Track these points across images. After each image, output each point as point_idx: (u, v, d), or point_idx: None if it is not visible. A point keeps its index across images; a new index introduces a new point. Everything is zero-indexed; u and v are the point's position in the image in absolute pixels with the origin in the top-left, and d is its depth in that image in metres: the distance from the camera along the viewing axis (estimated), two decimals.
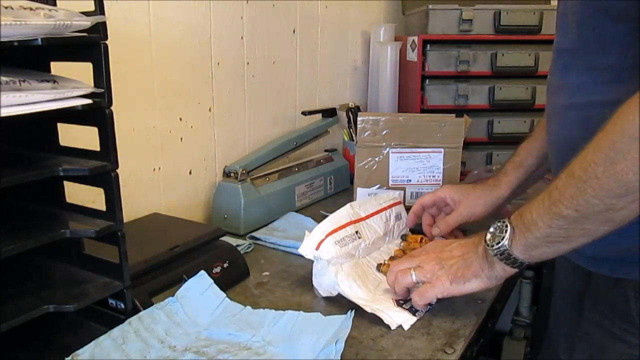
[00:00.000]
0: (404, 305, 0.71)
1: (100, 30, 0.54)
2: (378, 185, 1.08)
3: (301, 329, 0.63)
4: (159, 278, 0.70)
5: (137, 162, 0.93)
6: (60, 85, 0.53)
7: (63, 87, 0.53)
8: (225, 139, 1.11)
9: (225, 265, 0.78)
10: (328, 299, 0.75)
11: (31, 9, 0.48)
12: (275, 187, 1.07)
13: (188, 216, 0.99)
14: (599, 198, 0.50)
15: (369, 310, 0.69)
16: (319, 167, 1.21)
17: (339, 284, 0.72)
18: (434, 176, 1.08)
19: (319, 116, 1.29)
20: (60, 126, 0.63)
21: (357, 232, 0.83)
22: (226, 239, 0.85)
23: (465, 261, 0.66)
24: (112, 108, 0.57)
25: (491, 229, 0.62)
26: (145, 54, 0.92)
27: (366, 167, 1.08)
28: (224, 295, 0.69)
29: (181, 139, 1.01)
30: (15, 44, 0.48)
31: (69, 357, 0.56)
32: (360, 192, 1.08)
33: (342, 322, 0.61)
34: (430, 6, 1.30)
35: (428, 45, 1.31)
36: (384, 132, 1.06)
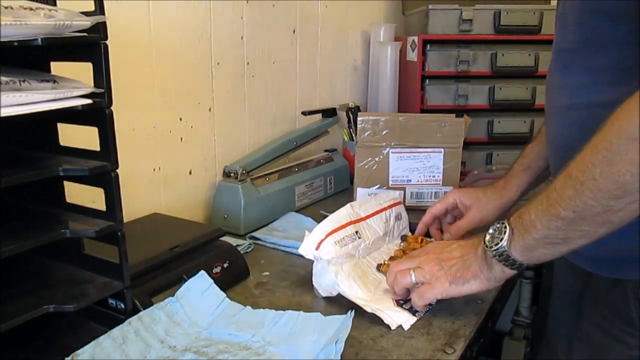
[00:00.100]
0: (404, 306, 0.71)
1: (100, 30, 0.54)
2: (378, 185, 1.08)
3: (301, 329, 0.63)
4: (159, 278, 0.70)
5: (137, 162, 0.93)
6: (60, 85, 0.53)
7: (63, 87, 0.53)
8: (225, 139, 1.11)
9: (225, 265, 0.78)
10: (328, 299, 0.75)
11: (31, 9, 0.48)
12: (275, 187, 1.07)
13: (188, 216, 0.99)
14: (596, 199, 0.49)
15: (369, 310, 0.69)
16: (319, 167, 1.21)
17: (339, 284, 0.72)
18: (434, 176, 1.09)
19: (319, 116, 1.29)
20: (60, 126, 0.63)
21: (357, 232, 0.83)
22: (226, 239, 0.85)
23: (464, 262, 0.66)
24: (112, 108, 0.57)
25: (490, 230, 0.62)
26: (145, 54, 0.92)
27: (366, 167, 1.08)
28: (224, 295, 0.69)
29: (181, 139, 1.01)
30: (15, 44, 0.48)
31: (69, 357, 0.56)
32: (360, 192, 1.08)
33: (342, 322, 0.61)
34: (430, 6, 1.30)
35: (428, 45, 1.31)
36: (384, 132, 1.07)
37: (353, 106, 1.32)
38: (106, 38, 0.55)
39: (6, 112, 0.47)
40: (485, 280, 0.64)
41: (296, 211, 1.10)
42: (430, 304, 0.71)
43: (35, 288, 0.59)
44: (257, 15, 1.15)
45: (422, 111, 1.33)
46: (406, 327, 0.67)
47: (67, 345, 0.58)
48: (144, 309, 0.64)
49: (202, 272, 0.70)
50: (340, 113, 1.32)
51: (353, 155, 1.13)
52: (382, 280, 0.78)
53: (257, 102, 1.19)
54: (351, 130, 1.30)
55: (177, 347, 0.60)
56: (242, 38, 1.12)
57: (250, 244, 0.94)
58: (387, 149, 1.07)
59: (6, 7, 0.46)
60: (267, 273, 0.84)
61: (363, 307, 0.69)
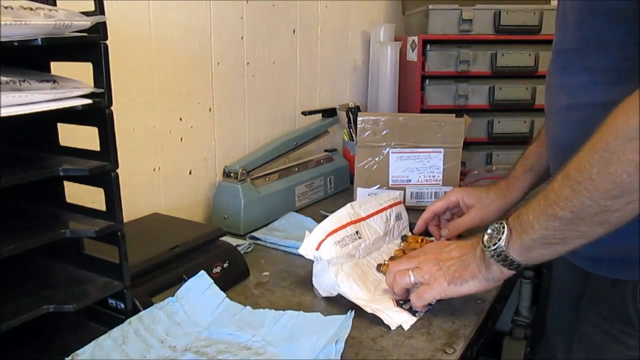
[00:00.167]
0: (403, 306, 0.71)
1: (100, 30, 0.54)
2: (378, 185, 1.08)
3: (301, 329, 0.63)
4: (159, 278, 0.70)
5: (137, 162, 0.93)
6: (60, 85, 0.53)
7: (63, 87, 0.53)
8: (225, 139, 1.11)
9: (225, 265, 0.78)
10: (328, 299, 0.75)
11: (31, 9, 0.48)
12: (275, 187, 1.07)
13: (188, 216, 0.99)
14: (593, 199, 0.49)
15: (368, 310, 0.69)
16: (319, 167, 1.21)
17: (339, 284, 0.72)
18: (434, 176, 1.09)
19: (319, 116, 1.29)
20: (60, 126, 0.63)
21: (357, 232, 0.83)
22: (226, 239, 0.85)
23: (463, 262, 0.66)
24: (112, 108, 0.57)
25: (488, 231, 0.62)
26: (145, 54, 0.92)
27: (366, 167, 1.08)
28: (224, 295, 0.69)
29: (181, 139, 1.01)
30: (15, 44, 0.48)
31: (69, 357, 0.56)
32: (360, 192, 1.08)
33: (342, 322, 0.61)
34: (430, 6, 1.30)
35: (428, 45, 1.31)
36: (384, 132, 1.07)
37: (353, 106, 1.32)
38: (106, 38, 0.55)
39: (6, 112, 0.47)
40: (483, 281, 0.64)
41: (296, 211, 1.10)
42: (430, 304, 0.71)
43: (35, 288, 0.59)
44: (257, 15, 1.15)
45: (422, 111, 1.33)
46: (406, 327, 0.67)
47: (67, 345, 0.58)
48: (144, 309, 0.64)
49: (202, 272, 0.70)
50: (340, 113, 1.32)
51: (353, 155, 1.13)
52: (382, 280, 0.78)
53: (257, 102, 1.19)
54: (351, 130, 1.30)
55: (177, 347, 0.60)
56: (242, 38, 1.12)
57: (250, 244, 0.94)
58: (387, 149, 1.07)
59: (6, 7, 0.46)
60: (267, 273, 0.84)
61: (363, 307, 0.69)
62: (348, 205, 0.86)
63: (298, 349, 0.60)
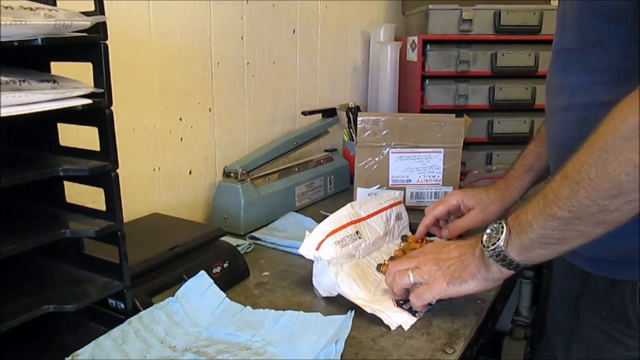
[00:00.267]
0: (403, 306, 0.71)
1: (100, 30, 0.54)
2: (378, 185, 1.08)
3: (301, 329, 0.63)
4: (159, 278, 0.70)
5: (137, 162, 0.93)
6: (60, 85, 0.53)
7: (63, 87, 0.53)
8: (225, 139, 1.11)
9: (225, 265, 0.78)
10: (328, 299, 0.75)
11: (31, 9, 0.48)
12: (275, 187, 1.07)
13: (188, 216, 0.99)
14: (591, 199, 0.49)
15: (368, 310, 0.69)
16: (319, 167, 1.21)
17: (339, 284, 0.72)
18: (434, 176, 1.09)
19: (319, 116, 1.29)
20: (60, 126, 0.63)
21: (357, 232, 0.83)
22: (226, 239, 0.85)
23: (462, 262, 0.66)
24: (112, 108, 0.57)
25: (488, 230, 0.62)
26: (145, 54, 0.92)
27: (366, 167, 1.08)
28: (224, 295, 0.69)
29: (181, 139, 1.01)
30: (15, 44, 0.48)
31: (69, 357, 0.56)
32: (360, 192, 1.08)
33: (342, 322, 0.61)
34: (430, 6, 1.31)
35: (428, 45, 1.31)
36: (384, 132, 1.07)
37: (353, 106, 1.32)
38: (106, 38, 0.55)
39: (6, 112, 0.47)
40: (482, 281, 0.64)
41: (296, 211, 1.10)
42: (430, 304, 0.71)
43: (35, 288, 0.59)
44: (257, 15, 1.15)
45: (422, 111, 1.33)
46: (406, 327, 0.67)
47: (67, 345, 0.58)
48: (144, 309, 0.64)
49: (202, 272, 0.70)
50: (340, 113, 1.32)
51: (353, 155, 1.13)
52: (382, 280, 0.78)
53: (257, 102, 1.19)
54: (351, 130, 1.30)
55: (177, 347, 0.60)
56: (242, 38, 1.12)
57: (250, 244, 0.94)
58: (387, 149, 1.07)
59: (6, 7, 0.46)
60: (267, 273, 0.84)
61: (363, 307, 0.69)
62: (348, 205, 0.86)
63: (298, 349, 0.60)
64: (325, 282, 0.74)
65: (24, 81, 0.50)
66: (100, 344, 0.58)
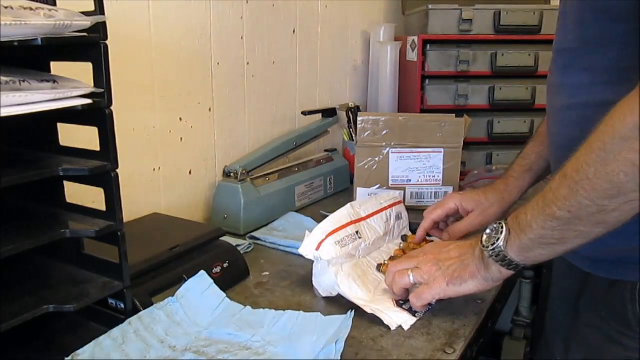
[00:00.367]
0: (403, 306, 0.71)
1: (100, 30, 0.54)
2: (378, 185, 1.08)
3: (301, 329, 0.63)
4: (159, 278, 0.70)
5: (137, 162, 0.93)
6: (60, 85, 0.53)
7: (63, 87, 0.53)
8: (225, 139, 1.11)
9: (225, 265, 0.78)
10: (328, 299, 0.75)
11: (31, 9, 0.48)
12: (275, 187, 1.07)
13: (188, 216, 0.99)
14: (590, 199, 0.49)
15: (368, 310, 0.69)
16: (319, 167, 1.21)
17: (339, 284, 0.72)
18: (434, 176, 1.09)
19: (319, 116, 1.29)
20: (60, 126, 0.63)
21: (357, 232, 0.83)
22: (226, 239, 0.85)
23: (462, 262, 0.66)
24: (112, 108, 0.57)
25: (487, 231, 0.62)
26: (145, 54, 0.92)
27: (366, 167, 1.08)
28: (224, 295, 0.69)
29: (181, 139, 1.01)
30: (15, 44, 0.48)
31: (69, 357, 0.56)
32: (360, 192, 1.08)
33: (342, 322, 0.61)
34: (430, 6, 1.30)
35: (428, 45, 1.31)
36: (384, 132, 1.07)
37: (353, 106, 1.32)
38: (106, 38, 0.55)
39: (6, 112, 0.47)
40: (482, 281, 0.64)
41: (296, 211, 1.10)
42: (430, 304, 0.71)
43: (35, 288, 0.59)
44: (257, 15, 1.15)
45: (422, 111, 1.33)
46: (406, 327, 0.67)
47: (67, 345, 0.58)
48: (144, 309, 0.64)
49: (202, 272, 0.70)
50: (340, 113, 1.32)
51: (353, 155, 1.13)
52: (382, 280, 0.78)
53: (257, 102, 1.19)
54: (351, 130, 1.30)
55: (177, 347, 0.60)
56: (242, 38, 1.12)
57: (250, 244, 0.94)
58: (387, 149, 1.07)
59: (6, 7, 0.46)
60: (267, 273, 0.84)
61: (363, 307, 0.69)
62: (348, 205, 0.86)
63: (298, 349, 0.60)
64: (325, 282, 0.74)
65: (24, 81, 0.50)
66: (100, 344, 0.58)
